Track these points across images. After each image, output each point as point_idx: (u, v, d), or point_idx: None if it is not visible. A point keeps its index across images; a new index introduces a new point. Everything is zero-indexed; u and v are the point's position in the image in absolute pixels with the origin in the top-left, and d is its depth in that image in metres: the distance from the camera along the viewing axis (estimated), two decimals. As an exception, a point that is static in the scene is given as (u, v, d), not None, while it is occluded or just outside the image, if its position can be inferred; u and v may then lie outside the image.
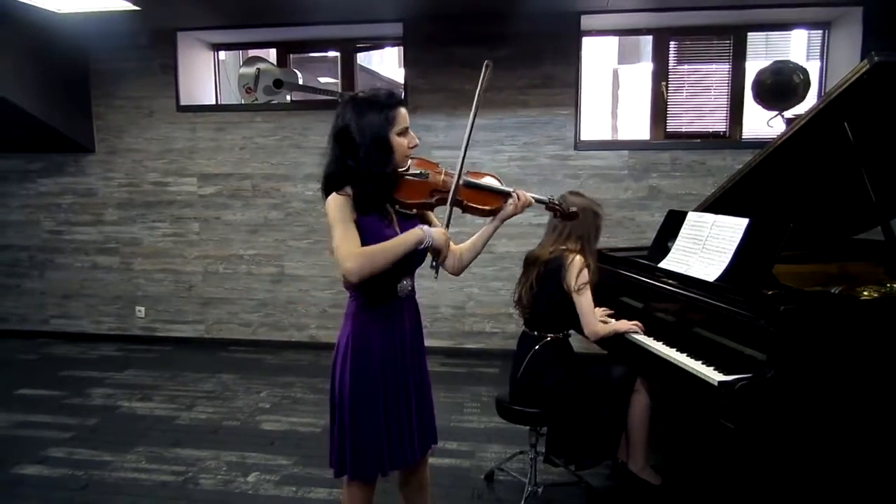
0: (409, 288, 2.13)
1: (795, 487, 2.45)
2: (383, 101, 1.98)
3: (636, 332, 2.77)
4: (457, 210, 2.10)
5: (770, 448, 2.40)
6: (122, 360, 5.43)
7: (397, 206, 2.06)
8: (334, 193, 1.98)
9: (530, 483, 2.93)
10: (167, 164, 5.77)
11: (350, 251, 1.89)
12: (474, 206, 2.12)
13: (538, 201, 2.20)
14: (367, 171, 1.95)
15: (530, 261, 2.95)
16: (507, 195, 2.13)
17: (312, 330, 5.72)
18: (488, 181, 2.17)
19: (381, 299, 2.07)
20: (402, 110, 2.01)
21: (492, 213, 2.15)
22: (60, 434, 3.84)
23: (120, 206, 5.88)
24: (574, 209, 2.31)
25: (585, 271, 2.76)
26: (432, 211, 2.18)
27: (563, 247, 2.83)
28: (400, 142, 2.00)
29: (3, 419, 4.09)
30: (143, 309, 5.96)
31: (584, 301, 2.77)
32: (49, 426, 3.97)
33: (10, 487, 3.22)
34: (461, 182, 2.08)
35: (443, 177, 2.09)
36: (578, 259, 2.77)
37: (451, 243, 2.18)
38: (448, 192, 2.06)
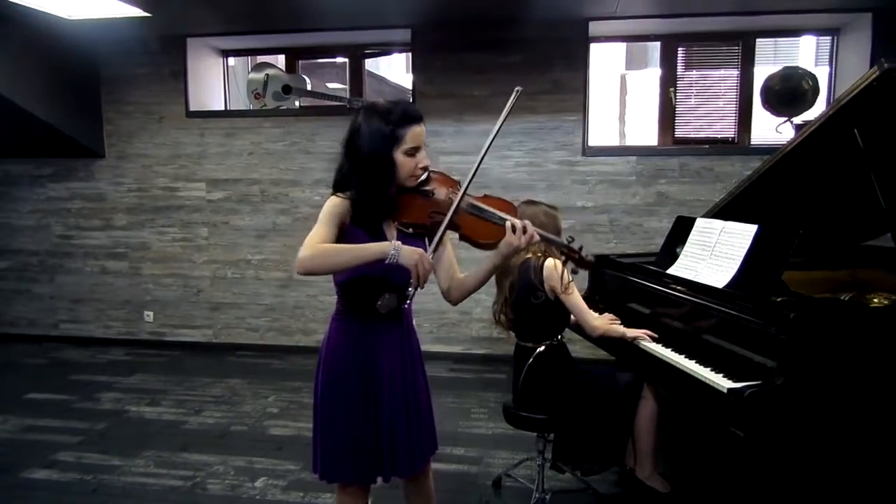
0: (393, 306, 1.96)
1: (806, 496, 2.43)
2: (394, 119, 1.91)
3: (646, 340, 2.75)
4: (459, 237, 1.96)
5: (780, 456, 2.39)
6: (130, 364, 5.45)
7: (396, 224, 2.00)
8: (336, 195, 1.97)
9: (538, 490, 2.92)
10: (176, 169, 5.80)
11: (311, 243, 1.82)
12: (469, 236, 1.94)
13: (548, 241, 2.01)
14: (365, 187, 1.92)
15: (500, 272, 2.85)
16: (507, 227, 1.91)
17: (320, 335, 5.64)
18: (492, 210, 1.96)
19: (359, 311, 2.03)
20: (415, 129, 1.93)
21: (488, 247, 1.96)
22: (69, 438, 3.86)
23: (129, 211, 5.92)
24: (591, 258, 2.05)
25: (566, 271, 2.69)
26: (432, 233, 1.97)
27: (528, 254, 2.77)
28: (406, 161, 1.94)
29: (12, 423, 4.11)
30: (151, 313, 5.99)
31: (575, 300, 2.74)
32: (58, 430, 3.98)
33: (20, 491, 3.24)
34: (462, 206, 1.93)
35: (448, 197, 1.96)
36: (551, 261, 2.72)
37: (456, 271, 2.11)
38: (446, 214, 1.91)
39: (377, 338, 2.06)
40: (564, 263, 2.15)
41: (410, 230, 1.98)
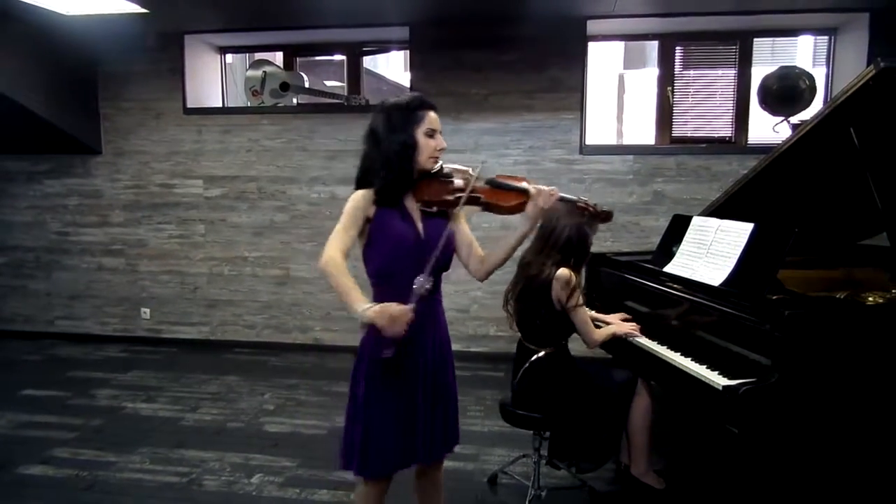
0: (427, 289, 2.01)
1: (800, 492, 2.44)
2: (411, 104, 2.09)
3: (634, 336, 2.76)
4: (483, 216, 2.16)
5: (775, 453, 2.40)
6: (127, 361, 5.45)
7: (420, 205, 2.11)
8: (359, 190, 2.08)
9: (533, 486, 2.93)
10: (173, 166, 5.79)
11: (333, 253, 1.97)
12: (491, 202, 2.12)
13: (565, 200, 2.20)
14: (387, 162, 2.04)
15: (521, 264, 2.88)
16: (526, 192, 2.11)
17: (317, 332, 5.72)
18: (509, 182, 2.16)
19: (395, 294, 2.01)
20: (432, 113, 2.09)
21: (512, 211, 2.14)
22: (65, 434, 3.85)
23: (126, 207, 5.91)
24: (607, 209, 2.29)
25: (578, 286, 2.69)
26: (456, 210, 2.15)
27: (546, 263, 2.72)
28: (426, 142, 2.07)
29: (8, 419, 4.11)
30: (148, 310, 5.98)
31: (580, 318, 2.73)
32: (54, 426, 3.98)
33: (15, 488, 3.23)
34: (481, 182, 2.12)
35: (465, 178, 2.13)
36: (563, 273, 2.66)
37: (477, 248, 2.23)
38: (466, 190, 2.08)
39: (417, 326, 2.04)
40: (582, 218, 2.48)
41: (434, 209, 2.11)
